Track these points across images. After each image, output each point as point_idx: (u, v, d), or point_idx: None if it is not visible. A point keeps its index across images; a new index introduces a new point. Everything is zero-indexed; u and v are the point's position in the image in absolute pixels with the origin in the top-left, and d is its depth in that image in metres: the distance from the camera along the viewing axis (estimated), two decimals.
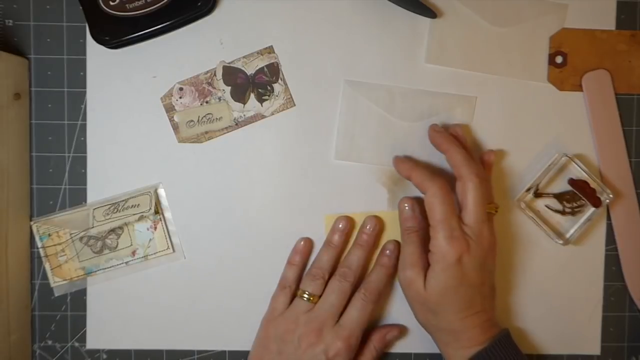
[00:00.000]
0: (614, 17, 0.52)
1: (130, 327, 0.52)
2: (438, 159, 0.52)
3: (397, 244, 0.50)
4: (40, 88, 0.52)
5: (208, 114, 0.51)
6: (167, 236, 0.52)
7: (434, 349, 0.52)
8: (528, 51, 0.52)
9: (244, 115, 0.52)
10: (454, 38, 0.52)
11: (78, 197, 0.52)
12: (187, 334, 0.53)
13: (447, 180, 0.46)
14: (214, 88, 0.52)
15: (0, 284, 0.48)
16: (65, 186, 0.52)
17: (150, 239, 0.52)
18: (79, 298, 0.52)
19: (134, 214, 0.50)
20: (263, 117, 0.52)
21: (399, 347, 0.53)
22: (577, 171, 0.52)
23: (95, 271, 0.52)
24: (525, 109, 0.53)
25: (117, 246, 0.52)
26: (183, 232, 0.52)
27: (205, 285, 0.52)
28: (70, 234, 0.51)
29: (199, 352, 0.53)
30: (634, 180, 0.53)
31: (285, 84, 0.52)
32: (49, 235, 0.51)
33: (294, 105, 0.52)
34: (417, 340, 0.53)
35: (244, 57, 0.52)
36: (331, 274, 0.50)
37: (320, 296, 0.48)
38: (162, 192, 0.52)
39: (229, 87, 0.52)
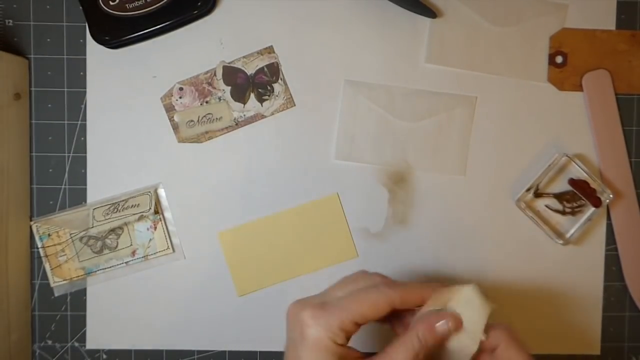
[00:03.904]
0: (614, 17, 0.52)
1: (130, 327, 0.52)
2: (437, 159, 0.52)
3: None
4: (40, 88, 0.52)
5: (208, 114, 0.51)
6: (167, 236, 0.52)
7: None
8: (528, 51, 0.52)
9: (244, 115, 0.52)
10: (454, 38, 0.52)
11: (78, 197, 0.52)
12: (187, 334, 0.53)
13: None
14: (214, 88, 0.52)
15: (0, 284, 0.48)
16: (65, 186, 0.52)
17: (150, 239, 0.52)
18: (78, 298, 0.52)
19: (134, 214, 0.50)
20: (263, 117, 0.52)
21: None
22: (577, 171, 0.52)
23: (95, 271, 0.52)
24: (525, 109, 0.53)
25: (117, 246, 0.52)
26: (183, 232, 0.52)
27: (205, 285, 0.52)
28: (70, 234, 0.51)
29: (199, 352, 0.53)
30: (634, 180, 0.53)
31: (285, 83, 0.52)
32: (49, 235, 0.51)
33: (294, 105, 0.52)
34: None
35: (244, 57, 0.52)
36: None
37: None
38: (162, 192, 0.52)
39: (229, 87, 0.52)
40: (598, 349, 0.53)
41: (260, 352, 0.53)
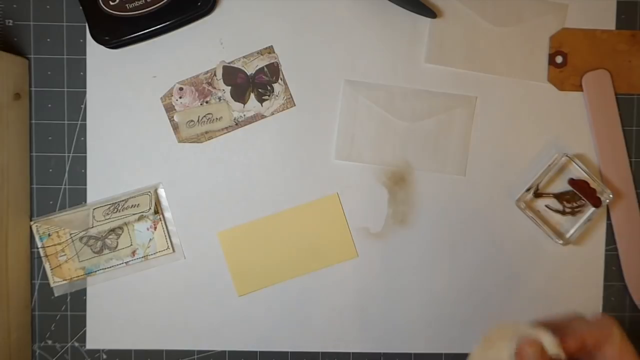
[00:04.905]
0: (614, 17, 0.52)
1: (130, 327, 0.52)
2: (437, 159, 0.52)
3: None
4: (40, 88, 0.52)
5: (208, 114, 0.51)
6: (167, 236, 0.52)
7: (434, 349, 0.52)
8: (528, 51, 0.52)
9: (244, 115, 0.52)
10: (454, 38, 0.52)
11: (78, 197, 0.52)
12: (187, 334, 0.53)
13: None
14: (214, 88, 0.52)
15: (0, 284, 0.48)
16: (65, 186, 0.52)
17: (150, 239, 0.52)
18: (78, 298, 0.52)
19: (134, 214, 0.50)
20: (263, 117, 0.52)
21: (399, 347, 0.53)
22: (577, 171, 0.52)
23: (95, 271, 0.52)
24: (525, 109, 0.52)
25: (117, 246, 0.52)
26: (183, 232, 0.52)
27: (205, 285, 0.52)
28: (70, 234, 0.51)
29: (199, 352, 0.53)
30: (634, 180, 0.53)
31: (285, 84, 0.52)
32: (49, 235, 0.51)
33: (294, 105, 0.52)
34: (417, 340, 0.53)
35: (244, 57, 0.52)
36: None
37: None
38: (162, 192, 0.52)
39: (229, 87, 0.52)
40: None
41: (260, 352, 0.53)
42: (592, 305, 0.53)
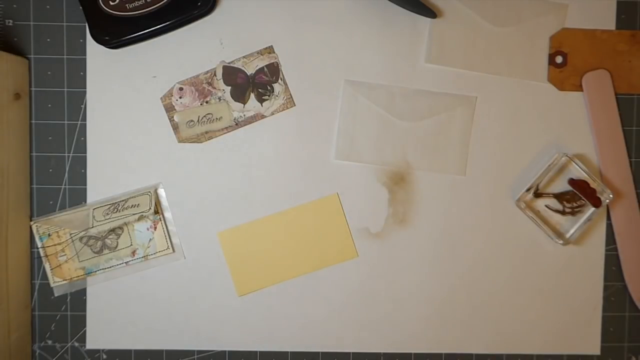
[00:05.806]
0: (614, 17, 0.52)
1: (130, 327, 0.52)
2: (437, 159, 0.52)
3: None
4: (40, 88, 0.52)
5: (208, 114, 0.51)
6: (167, 236, 0.52)
7: (434, 349, 0.52)
8: (528, 51, 0.52)
9: (244, 115, 0.52)
10: (454, 38, 0.52)
11: (78, 197, 0.52)
12: (187, 334, 0.53)
13: None
14: (214, 88, 0.52)
15: (0, 284, 0.48)
16: (65, 186, 0.52)
17: (150, 239, 0.52)
18: (78, 298, 0.52)
19: (134, 214, 0.50)
20: (263, 117, 0.52)
21: (399, 347, 0.53)
22: (577, 171, 0.52)
23: (95, 271, 0.52)
24: (525, 109, 0.53)
25: (117, 246, 0.52)
26: (183, 232, 0.52)
27: (205, 285, 0.52)
28: (70, 234, 0.51)
29: (199, 352, 0.53)
30: (634, 180, 0.53)
31: (285, 84, 0.52)
32: (49, 235, 0.51)
33: (294, 105, 0.52)
34: (417, 340, 0.53)
35: (244, 57, 0.52)
36: None
37: None
38: (162, 192, 0.52)
39: (229, 87, 0.52)
40: (598, 349, 0.53)
41: (260, 352, 0.53)
42: (591, 305, 0.53)
